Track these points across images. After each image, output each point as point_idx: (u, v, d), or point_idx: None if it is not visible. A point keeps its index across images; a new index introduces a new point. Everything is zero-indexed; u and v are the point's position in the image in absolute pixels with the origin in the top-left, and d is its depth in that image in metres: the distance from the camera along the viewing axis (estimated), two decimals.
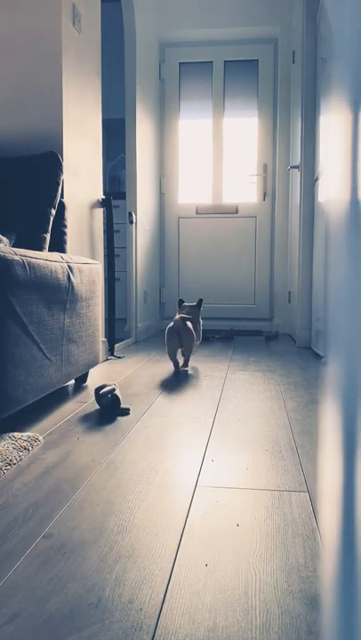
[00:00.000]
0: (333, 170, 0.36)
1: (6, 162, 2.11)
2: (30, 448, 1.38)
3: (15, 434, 1.46)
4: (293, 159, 3.90)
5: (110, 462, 1.31)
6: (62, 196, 2.22)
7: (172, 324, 2.50)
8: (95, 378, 2.34)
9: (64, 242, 2.15)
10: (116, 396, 1.75)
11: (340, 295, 0.34)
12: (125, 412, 1.77)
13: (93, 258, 2.69)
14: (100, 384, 1.84)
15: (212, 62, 4.37)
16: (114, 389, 1.77)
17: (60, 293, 1.72)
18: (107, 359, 2.87)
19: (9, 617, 0.72)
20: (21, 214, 2.00)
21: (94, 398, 1.84)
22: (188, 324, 2.50)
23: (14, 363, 1.41)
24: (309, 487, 1.17)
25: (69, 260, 1.85)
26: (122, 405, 1.77)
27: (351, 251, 0.32)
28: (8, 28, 2.24)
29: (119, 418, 1.72)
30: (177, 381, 2.28)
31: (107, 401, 1.75)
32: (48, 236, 2.02)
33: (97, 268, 2.15)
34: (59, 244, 2.13)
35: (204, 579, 0.81)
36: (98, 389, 1.77)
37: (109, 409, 1.75)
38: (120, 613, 0.73)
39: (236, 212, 4.39)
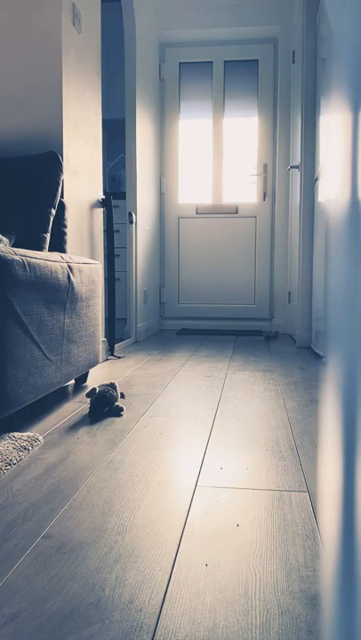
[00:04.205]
0: (333, 170, 0.36)
1: (6, 162, 2.11)
2: (30, 448, 1.38)
3: (15, 434, 1.46)
4: (293, 159, 3.90)
5: (110, 462, 1.31)
6: (62, 196, 2.22)
7: None
8: (95, 378, 2.34)
9: (64, 242, 2.15)
10: (102, 393, 1.74)
11: (340, 295, 0.34)
12: (117, 411, 1.75)
13: (93, 258, 2.69)
14: (99, 384, 1.84)
15: (212, 62, 4.36)
16: (107, 389, 1.76)
17: (60, 293, 1.72)
18: (107, 359, 2.87)
19: (9, 617, 0.72)
20: (21, 214, 2.00)
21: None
22: None
23: (14, 363, 1.41)
24: (309, 487, 1.17)
25: (69, 260, 1.85)
26: (118, 405, 1.77)
27: (351, 251, 0.32)
28: (8, 28, 2.24)
29: (118, 418, 1.72)
30: (177, 381, 2.28)
31: (92, 397, 1.74)
32: (48, 236, 2.02)
33: (97, 267, 2.15)
34: (59, 244, 2.13)
35: (204, 579, 0.81)
36: (93, 388, 1.77)
37: (95, 406, 1.73)
38: (120, 613, 0.73)
39: (236, 212, 4.39)
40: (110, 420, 1.70)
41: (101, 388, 1.77)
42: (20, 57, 2.24)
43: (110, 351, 2.91)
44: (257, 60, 4.32)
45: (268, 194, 4.35)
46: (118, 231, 3.87)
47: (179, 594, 0.77)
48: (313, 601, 0.75)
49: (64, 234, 2.16)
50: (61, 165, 2.11)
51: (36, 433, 1.49)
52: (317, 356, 3.00)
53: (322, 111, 3.05)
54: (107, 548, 0.90)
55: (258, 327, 4.42)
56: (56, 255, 1.76)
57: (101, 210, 2.84)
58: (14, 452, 1.33)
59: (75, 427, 1.61)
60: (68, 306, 1.79)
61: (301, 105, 3.41)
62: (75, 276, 1.85)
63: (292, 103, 4.10)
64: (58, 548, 0.90)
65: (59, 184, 2.09)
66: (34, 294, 1.53)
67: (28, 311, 1.49)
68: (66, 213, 2.17)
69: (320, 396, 2.02)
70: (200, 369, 2.59)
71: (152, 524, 0.99)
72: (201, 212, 4.42)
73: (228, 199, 4.42)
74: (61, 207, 2.15)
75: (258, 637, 0.68)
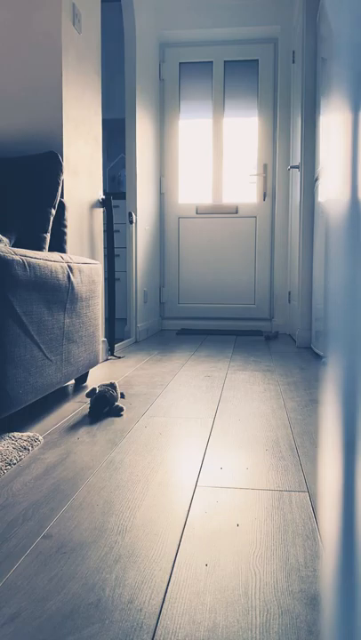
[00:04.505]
0: (333, 170, 0.36)
1: (6, 162, 2.11)
2: (30, 448, 1.38)
3: (15, 434, 1.46)
4: (293, 159, 3.90)
5: (110, 462, 1.31)
6: (62, 196, 2.22)
7: None
8: (95, 378, 2.34)
9: (64, 242, 2.15)
10: (102, 393, 1.74)
11: (340, 295, 0.34)
12: (117, 411, 1.75)
13: (93, 258, 2.69)
14: (99, 384, 1.84)
15: (212, 62, 4.36)
16: (107, 389, 1.76)
17: (60, 293, 1.72)
18: (107, 359, 2.87)
19: (9, 617, 0.72)
20: (21, 214, 2.00)
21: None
22: None
23: (14, 363, 1.41)
24: (309, 487, 1.17)
25: (69, 260, 1.85)
26: (118, 405, 1.77)
27: (351, 251, 0.32)
28: (8, 28, 2.24)
29: (118, 418, 1.72)
30: (177, 381, 2.28)
31: (93, 397, 1.73)
32: (48, 236, 2.02)
33: (97, 267, 2.15)
34: (59, 244, 2.13)
35: (204, 579, 0.81)
36: (93, 388, 1.77)
37: (95, 406, 1.73)
38: (120, 613, 0.73)
39: (236, 212, 4.39)
40: (110, 419, 1.70)
41: (101, 388, 1.77)
42: (20, 57, 2.24)
43: (110, 351, 2.91)
44: (257, 60, 4.31)
45: (268, 194, 4.35)
46: (118, 231, 3.87)
47: (179, 594, 0.77)
48: (313, 601, 0.75)
49: (64, 234, 2.16)
50: (61, 165, 2.11)
51: (36, 433, 1.49)
52: (317, 356, 3.00)
53: (322, 111, 3.05)
54: (107, 548, 0.90)
55: (258, 327, 4.42)
56: (56, 255, 1.76)
57: (101, 210, 2.84)
58: (14, 451, 1.33)
59: (75, 427, 1.61)
60: (68, 306, 1.79)
61: (301, 105, 3.41)
62: (75, 276, 1.85)
63: (292, 103, 4.10)
64: (58, 547, 0.90)
65: (59, 184, 2.09)
66: (34, 294, 1.53)
67: (28, 311, 1.49)
68: (66, 213, 2.17)
69: (320, 396, 2.02)
70: (200, 369, 2.59)
71: (152, 524, 0.99)
72: (201, 212, 4.42)
73: (228, 199, 4.42)
74: (61, 207, 2.15)
75: (258, 637, 0.68)
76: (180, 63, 4.39)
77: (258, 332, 4.22)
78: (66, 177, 2.30)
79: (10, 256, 1.40)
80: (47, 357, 1.62)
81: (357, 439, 0.32)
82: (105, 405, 1.73)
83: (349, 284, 0.33)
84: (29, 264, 1.50)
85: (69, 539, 0.93)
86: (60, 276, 1.72)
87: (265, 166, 4.34)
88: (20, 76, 2.25)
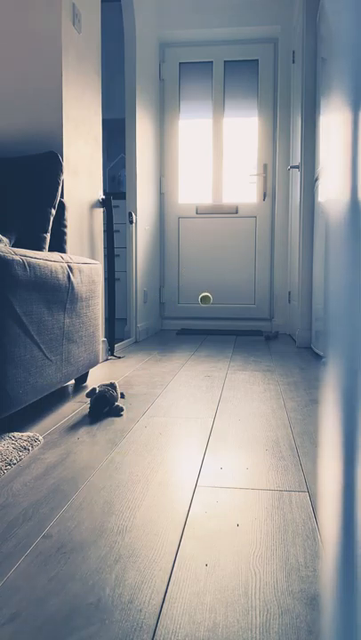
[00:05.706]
0: (333, 170, 0.36)
1: (6, 162, 2.11)
2: (30, 448, 1.38)
3: (15, 434, 1.46)
4: (293, 159, 3.90)
5: (110, 462, 1.31)
6: (62, 196, 2.22)
7: None
8: (95, 378, 2.34)
9: (64, 242, 2.15)
10: (102, 393, 1.74)
11: (340, 295, 0.34)
12: (117, 411, 1.75)
13: (93, 258, 2.69)
14: (99, 384, 1.84)
15: (212, 62, 4.36)
16: (107, 389, 1.76)
17: (60, 293, 1.72)
18: (107, 359, 2.87)
19: (9, 617, 0.72)
20: (21, 214, 2.00)
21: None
22: None
23: (14, 363, 1.41)
24: (309, 487, 1.17)
25: (69, 260, 1.85)
26: (118, 405, 1.77)
27: (351, 251, 0.32)
28: (8, 28, 2.23)
29: (118, 418, 1.72)
30: (177, 381, 2.28)
31: (93, 397, 1.73)
32: (48, 236, 2.02)
33: (97, 267, 2.15)
34: (59, 244, 2.13)
35: (204, 579, 0.81)
36: (93, 388, 1.77)
37: (95, 406, 1.73)
38: (120, 613, 0.73)
39: (236, 212, 4.39)
40: (110, 419, 1.70)
41: (101, 388, 1.77)
42: (20, 57, 2.24)
43: (110, 351, 2.91)
44: (257, 60, 4.31)
45: (268, 194, 4.35)
46: (118, 231, 3.87)
47: (179, 594, 0.77)
48: (313, 601, 0.75)
49: (64, 234, 2.16)
50: (61, 165, 2.11)
51: (36, 433, 1.49)
52: (317, 356, 3.00)
53: (322, 111, 3.05)
54: (107, 548, 0.90)
55: (258, 327, 4.42)
56: (56, 255, 1.76)
57: (101, 210, 2.84)
58: (14, 451, 1.33)
59: (75, 427, 1.61)
60: (68, 306, 1.79)
61: (301, 105, 3.41)
62: (75, 276, 1.85)
63: (292, 103, 4.10)
64: (58, 548, 0.90)
65: (59, 184, 2.09)
66: (34, 294, 1.53)
67: (28, 311, 1.49)
68: (66, 213, 2.17)
69: (320, 396, 2.02)
70: (200, 369, 2.59)
71: (152, 524, 0.99)
72: (201, 212, 4.42)
73: (228, 199, 4.42)
74: (61, 207, 2.15)
75: (258, 637, 0.68)
76: (180, 63, 4.39)
77: (258, 332, 4.22)
78: (66, 177, 2.30)
79: (10, 256, 1.40)
80: (47, 357, 1.62)
81: (357, 439, 0.32)
82: (105, 405, 1.73)
83: (349, 283, 0.33)
84: (29, 264, 1.50)
85: (69, 539, 0.93)
86: (60, 276, 1.72)
87: (265, 166, 4.34)
88: (20, 76, 2.25)
